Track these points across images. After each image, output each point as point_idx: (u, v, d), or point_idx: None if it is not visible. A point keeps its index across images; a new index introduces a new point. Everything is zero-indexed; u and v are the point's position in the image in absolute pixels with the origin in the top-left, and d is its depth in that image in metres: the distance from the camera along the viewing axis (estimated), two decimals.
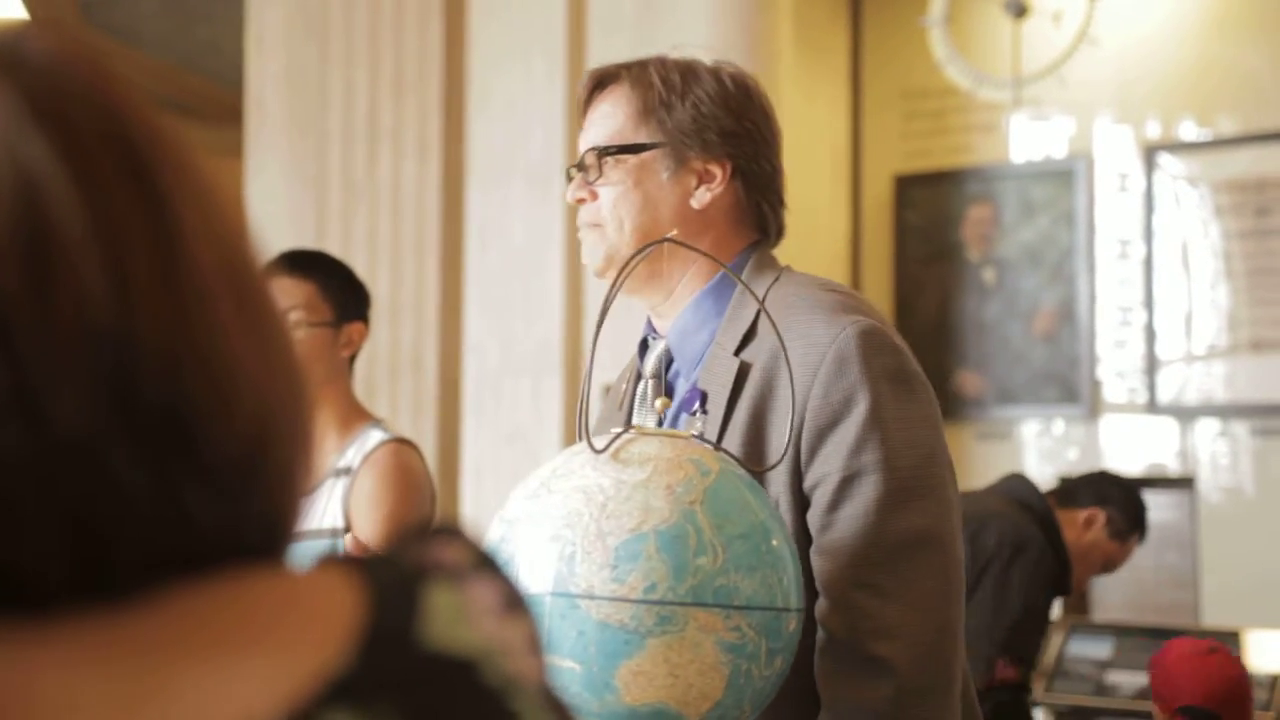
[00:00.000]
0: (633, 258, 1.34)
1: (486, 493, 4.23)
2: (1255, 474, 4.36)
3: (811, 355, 1.29)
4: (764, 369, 1.32)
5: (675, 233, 1.35)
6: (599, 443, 1.18)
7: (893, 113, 4.94)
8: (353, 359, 2.23)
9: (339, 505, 2.09)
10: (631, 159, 1.41)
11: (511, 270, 4.29)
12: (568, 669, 1.10)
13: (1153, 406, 4.48)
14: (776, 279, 1.40)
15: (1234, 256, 4.44)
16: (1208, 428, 4.43)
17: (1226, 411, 4.39)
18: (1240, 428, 4.38)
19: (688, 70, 1.43)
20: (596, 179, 1.42)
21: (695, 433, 1.30)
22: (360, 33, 4.48)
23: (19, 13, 4.01)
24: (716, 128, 1.41)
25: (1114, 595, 4.45)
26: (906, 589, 1.25)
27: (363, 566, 0.48)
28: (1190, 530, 4.38)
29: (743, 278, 1.38)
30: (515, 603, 0.50)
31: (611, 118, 1.43)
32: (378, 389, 4.21)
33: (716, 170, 1.42)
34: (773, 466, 1.29)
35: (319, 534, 2.07)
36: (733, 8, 4.02)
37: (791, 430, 1.28)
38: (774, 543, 1.18)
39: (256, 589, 0.45)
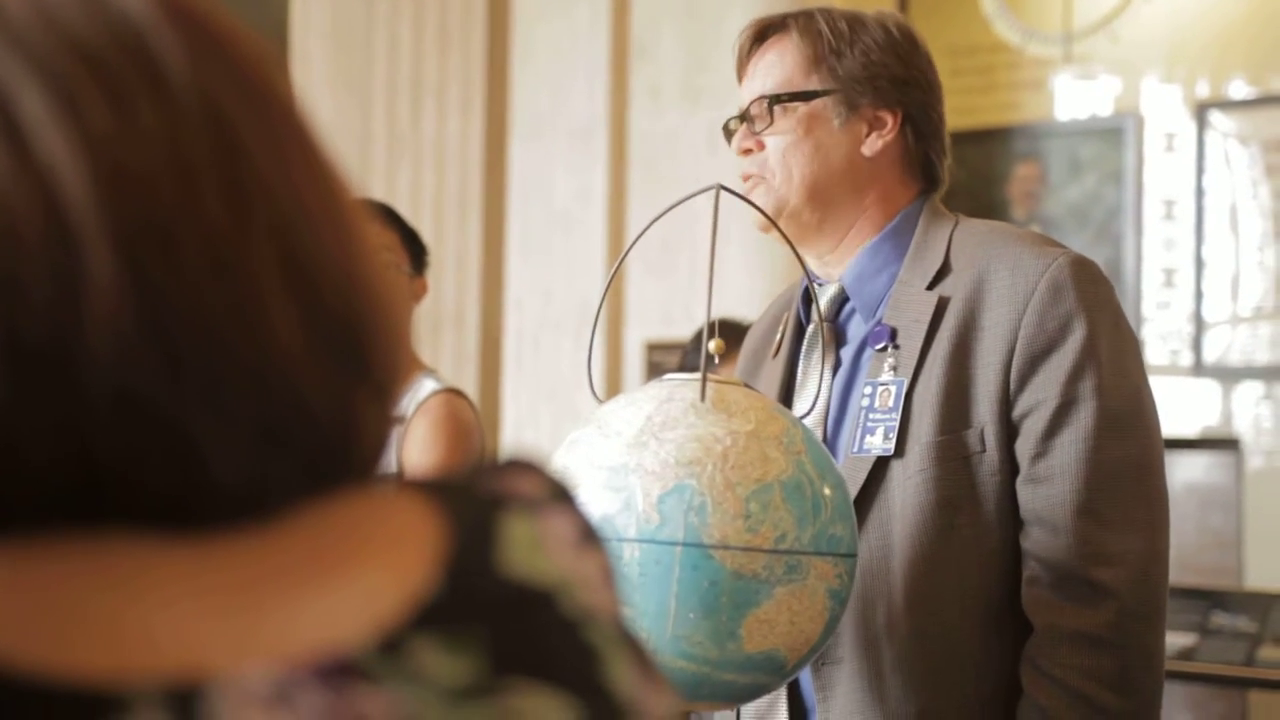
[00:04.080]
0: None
1: (527, 446, 4.25)
2: None
3: (1022, 284, 1.30)
4: (966, 300, 1.33)
5: (716, 186, 1.33)
6: (694, 389, 1.18)
7: (940, 69, 4.88)
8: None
9: (391, 452, 2.12)
10: (802, 107, 1.41)
11: (553, 225, 4.29)
12: (692, 619, 1.11)
13: (1198, 368, 4.44)
14: (957, 223, 1.41)
15: None
16: (1253, 390, 4.39)
17: (1272, 374, 4.35)
18: None
19: (854, 19, 1.43)
20: (764, 129, 1.42)
21: (889, 366, 1.34)
22: None
23: None
24: (888, 75, 1.41)
25: None
26: (1124, 516, 1.26)
27: (441, 494, 0.49)
28: (1234, 492, 4.35)
29: (920, 224, 1.41)
30: (589, 535, 0.50)
31: (779, 66, 1.42)
32: (420, 343, 4.23)
33: (888, 117, 1.42)
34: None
35: None
36: None
37: (1005, 359, 1.29)
38: (847, 493, 1.21)
39: (352, 513, 0.46)
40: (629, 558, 1.11)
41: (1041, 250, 1.31)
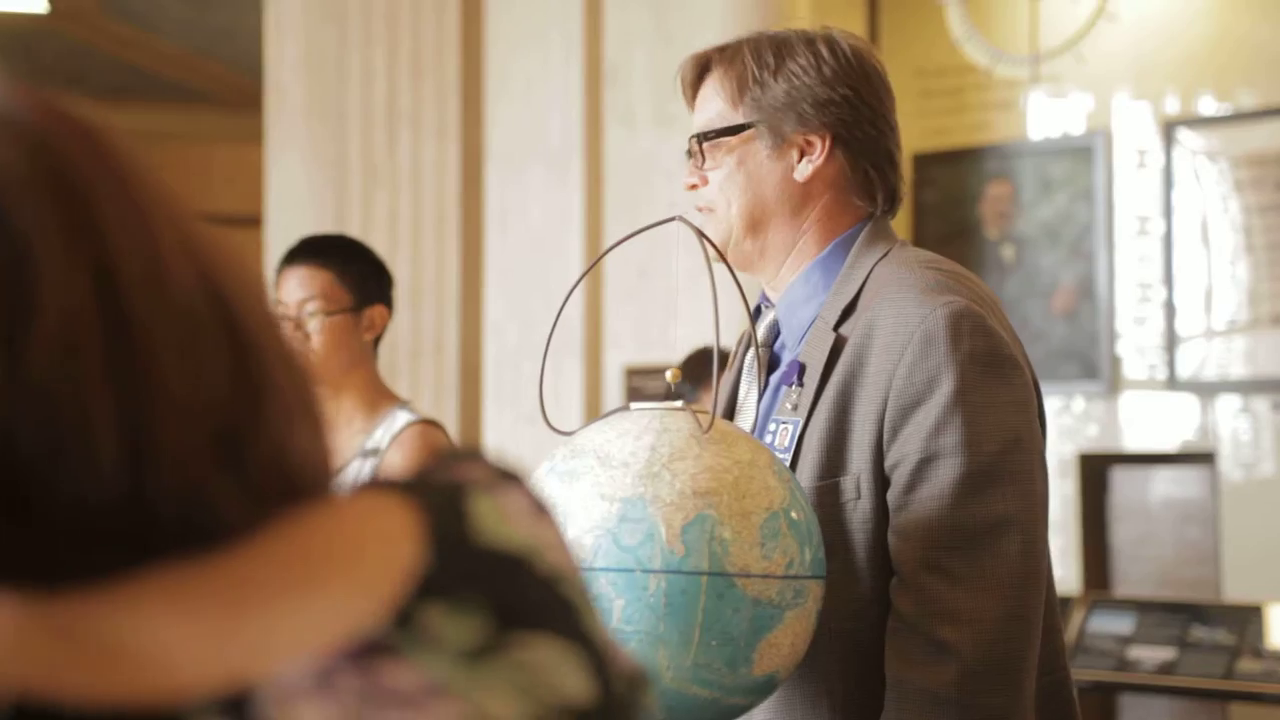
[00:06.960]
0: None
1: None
2: (1276, 449, 4.36)
3: (900, 334, 1.29)
4: (856, 345, 1.33)
5: (679, 217, 1.36)
6: (684, 419, 1.21)
7: (910, 91, 4.92)
8: (377, 341, 2.26)
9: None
10: (732, 140, 1.42)
11: (530, 252, 4.31)
12: (714, 646, 1.13)
13: (1173, 382, 4.48)
14: (885, 254, 1.40)
15: (1254, 231, 4.42)
16: (1228, 403, 4.42)
17: (1247, 387, 4.38)
18: (1261, 403, 4.37)
19: (783, 44, 1.43)
20: (704, 165, 1.44)
21: (791, 405, 1.34)
22: (378, 16, 4.49)
23: (40, 6, 4.02)
24: (811, 99, 1.40)
25: (1135, 571, 4.45)
26: (978, 574, 1.24)
27: (404, 487, 0.52)
28: (1211, 506, 4.38)
29: (852, 252, 1.40)
30: (541, 507, 0.54)
31: (711, 103, 1.44)
32: (399, 372, 4.23)
33: (816, 141, 1.41)
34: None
35: None
36: None
37: (879, 407, 1.29)
38: (815, 516, 1.25)
39: (331, 516, 0.49)
40: (654, 588, 1.12)
41: (924, 299, 1.30)
